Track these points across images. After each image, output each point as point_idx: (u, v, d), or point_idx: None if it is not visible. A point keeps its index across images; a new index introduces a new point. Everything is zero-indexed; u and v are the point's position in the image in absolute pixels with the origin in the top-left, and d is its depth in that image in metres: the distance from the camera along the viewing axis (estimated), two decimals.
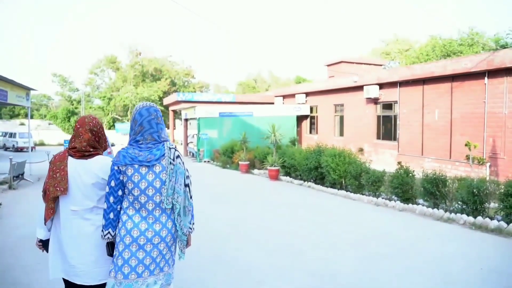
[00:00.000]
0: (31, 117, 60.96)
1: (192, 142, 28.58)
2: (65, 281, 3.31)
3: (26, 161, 15.01)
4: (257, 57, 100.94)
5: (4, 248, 5.23)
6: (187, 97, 29.48)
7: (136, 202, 3.05)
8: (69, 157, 3.25)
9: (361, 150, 19.53)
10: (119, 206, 3.09)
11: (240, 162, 17.56)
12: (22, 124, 53.23)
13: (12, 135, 37.19)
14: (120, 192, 3.08)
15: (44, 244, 3.38)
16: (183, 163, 3.22)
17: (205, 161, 23.40)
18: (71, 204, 3.19)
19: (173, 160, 3.12)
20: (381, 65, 29.46)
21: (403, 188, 9.27)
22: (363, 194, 10.72)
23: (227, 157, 20.01)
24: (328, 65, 28.33)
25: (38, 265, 5.45)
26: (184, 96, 29.55)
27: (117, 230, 3.10)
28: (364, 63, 28.05)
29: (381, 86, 19.13)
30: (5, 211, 8.98)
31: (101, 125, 3.43)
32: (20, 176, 14.11)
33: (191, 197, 3.31)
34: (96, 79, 57.32)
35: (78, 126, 3.32)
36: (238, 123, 24.15)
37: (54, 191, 3.18)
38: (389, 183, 9.80)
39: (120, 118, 52.96)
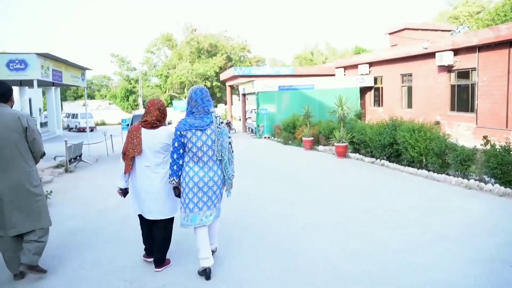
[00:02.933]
0: (93, 98, 62.50)
1: (250, 117, 27.88)
2: (141, 217, 4.72)
3: (83, 143, 14.76)
4: (313, 29, 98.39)
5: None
6: (244, 71, 28.68)
7: (194, 156, 4.23)
8: (142, 128, 4.50)
9: (437, 123, 17.97)
10: (181, 161, 4.27)
11: (303, 138, 16.60)
12: (85, 105, 54.54)
13: (74, 116, 38.02)
14: (181, 151, 4.26)
15: (123, 192, 4.69)
16: (225, 127, 4.37)
17: (265, 137, 22.62)
18: (144, 161, 4.47)
19: (219, 125, 4.28)
20: (449, 30, 27.20)
21: (503, 168, 7.97)
22: (448, 175, 9.50)
23: (288, 132, 19.10)
24: (390, 33, 26.51)
25: (82, 271, 4.78)
26: (241, 70, 28.76)
27: (181, 178, 4.31)
28: (430, 29, 25.96)
29: (456, 52, 17.41)
30: (57, 198, 8.51)
31: (165, 106, 4.67)
32: (78, 158, 13.85)
33: (232, 151, 4.46)
34: (153, 58, 57.65)
35: (149, 105, 4.59)
36: (298, 97, 23.11)
37: (132, 152, 4.44)
38: (483, 163, 8.51)
39: (177, 95, 53.07)
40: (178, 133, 4.20)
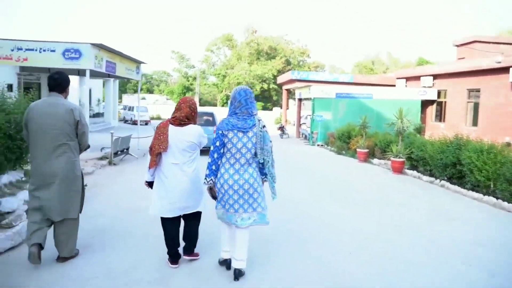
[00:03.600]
0: (152, 92, 63.74)
1: (305, 123, 27.22)
2: (164, 218, 4.61)
3: (131, 136, 14.59)
4: (376, 38, 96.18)
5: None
6: (301, 75, 28.06)
7: (232, 158, 4.20)
8: (170, 125, 4.47)
9: (508, 145, 16.58)
10: (220, 161, 4.22)
11: (358, 149, 15.77)
12: (143, 98, 55.59)
13: (130, 108, 38.66)
14: (222, 150, 4.22)
15: (150, 184, 4.66)
16: (267, 131, 4.28)
17: (318, 145, 21.88)
18: (171, 158, 4.43)
19: (262, 128, 4.21)
20: None
21: None
22: None
23: (343, 142, 18.29)
24: (458, 45, 25.09)
25: (95, 280, 4.37)
26: (298, 74, 28.16)
27: (217, 179, 4.26)
28: (503, 43, 24.39)
29: None
30: (91, 192, 8.20)
31: (196, 105, 4.64)
32: (125, 151, 13.68)
33: (272, 155, 4.36)
34: (212, 57, 58.12)
35: (181, 102, 4.60)
36: (355, 106, 22.20)
37: (158, 148, 4.40)
38: None
39: None
40: (220, 132, 4.17)
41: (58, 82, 4.49)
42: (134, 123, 35.54)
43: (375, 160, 14.94)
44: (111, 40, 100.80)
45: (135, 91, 63.54)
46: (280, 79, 33.74)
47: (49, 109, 4.40)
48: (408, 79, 26.49)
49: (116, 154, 12.74)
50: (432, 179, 11.27)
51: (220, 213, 4.36)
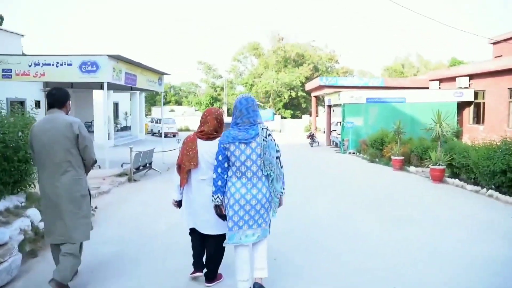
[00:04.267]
0: (180, 104, 63.73)
1: (335, 130, 26.40)
2: (193, 230, 4.52)
3: (154, 150, 13.99)
4: (405, 40, 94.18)
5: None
6: (330, 81, 27.19)
7: (237, 171, 4.00)
8: (198, 139, 4.35)
9: None
10: (225, 175, 4.02)
11: (392, 157, 14.82)
12: (172, 110, 55.58)
13: (158, 121, 38.44)
14: (226, 164, 4.02)
15: (178, 203, 4.58)
16: (273, 140, 4.06)
17: (349, 153, 21.00)
18: (200, 174, 4.30)
19: (265, 138, 3.97)
20: None
21: None
22: None
23: (376, 149, 17.36)
24: (494, 43, 23.83)
25: None
26: (327, 80, 27.31)
27: (223, 195, 4.05)
28: None
29: None
30: (104, 214, 7.61)
31: (222, 115, 4.46)
32: (148, 165, 13.11)
33: (281, 167, 4.12)
34: (239, 66, 57.63)
35: (206, 114, 4.41)
36: (387, 110, 21.23)
37: (189, 165, 4.29)
38: None
39: (261, 104, 52.43)
40: (222, 145, 4.00)
41: (56, 97, 4.34)
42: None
43: (412, 168, 13.98)
44: (136, 53, 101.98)
45: (164, 104, 63.64)
46: (309, 86, 32.96)
47: (47, 125, 4.23)
48: (442, 80, 25.30)
49: (137, 169, 12.19)
50: (478, 188, 10.27)
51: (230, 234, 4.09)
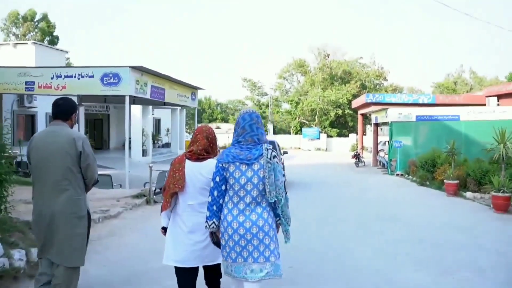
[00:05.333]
0: (226, 121, 63.41)
1: (383, 150, 24.86)
2: (177, 269, 3.96)
3: None
4: (456, 56, 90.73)
5: None
6: (377, 98, 25.70)
7: (235, 196, 3.50)
8: (186, 160, 3.89)
9: None
10: (221, 200, 3.53)
11: (445, 180, 13.20)
12: (217, 127, 55.18)
13: None
14: (223, 187, 3.52)
15: (165, 231, 4.04)
16: (280, 162, 3.61)
17: (397, 174, 19.39)
18: (188, 199, 3.85)
19: (270, 159, 3.47)
20: None
21: None
22: None
23: (426, 171, 15.73)
24: None
25: None
26: (374, 97, 25.85)
27: (220, 222, 3.54)
28: None
29: None
30: (103, 243, 6.59)
31: (214, 134, 4.05)
32: None
33: (286, 192, 3.60)
34: (285, 83, 56.79)
35: (196, 133, 4.00)
36: (439, 129, 19.44)
37: (173, 188, 3.83)
38: None
39: (307, 122, 51.19)
40: (220, 165, 3.55)
41: (61, 108, 4.04)
42: None
43: (469, 194, 12.33)
44: (180, 70, 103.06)
45: (210, 121, 63.52)
46: (355, 103, 31.58)
47: (49, 138, 3.93)
48: (500, 96, 23.29)
49: (161, 190, 11.21)
50: None
51: (225, 266, 3.60)
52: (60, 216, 3.86)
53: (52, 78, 11.32)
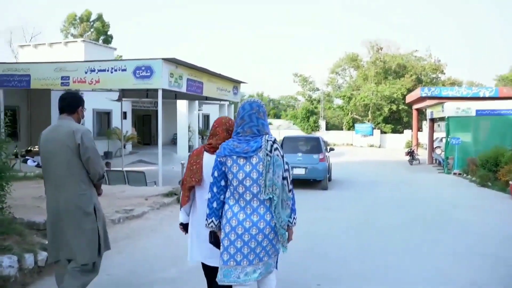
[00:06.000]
0: (279, 117, 62.78)
1: (439, 147, 23.43)
2: (205, 266, 3.75)
3: None
4: None
5: None
6: (433, 92, 24.15)
7: (235, 192, 3.22)
8: (205, 152, 3.65)
9: None
10: (222, 196, 3.26)
11: (511, 182, 11.91)
12: (269, 123, 54.54)
13: None
14: (223, 183, 3.25)
15: (185, 227, 3.80)
16: (282, 155, 3.27)
17: (454, 173, 18.04)
18: (205, 193, 3.45)
19: (270, 152, 3.19)
20: None
21: None
22: None
23: (488, 170, 14.39)
24: None
25: None
26: (429, 91, 24.30)
27: (220, 220, 3.28)
28: None
29: None
30: (118, 246, 5.98)
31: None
32: None
33: (290, 191, 3.33)
34: (337, 79, 55.38)
35: (216, 125, 3.73)
36: (503, 124, 18.04)
37: (190, 181, 3.60)
38: None
39: (360, 118, 49.65)
40: (218, 159, 3.26)
41: (67, 102, 4.01)
42: None
43: None
44: (234, 66, 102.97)
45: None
46: (409, 97, 30.04)
47: (53, 133, 3.94)
48: None
49: (179, 183, 10.70)
50: None
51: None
52: (65, 213, 3.82)
53: (86, 73, 11.03)
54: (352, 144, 45.33)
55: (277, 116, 64.35)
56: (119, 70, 10.66)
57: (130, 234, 6.89)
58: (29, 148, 15.93)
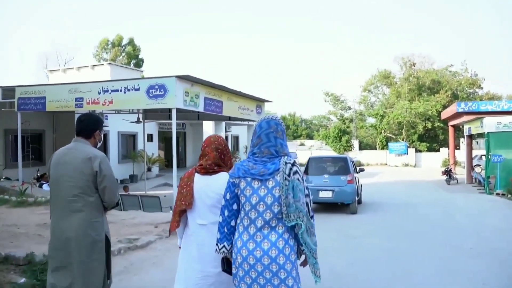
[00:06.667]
0: (311, 138, 61.89)
1: (479, 165, 22.12)
2: None
3: None
4: None
5: None
6: (470, 107, 22.88)
7: (246, 217, 2.99)
8: (196, 174, 3.46)
9: None
10: (233, 221, 3.05)
11: None
12: (302, 144, 53.78)
13: None
14: (235, 206, 3.05)
15: None
16: (302, 179, 3.00)
17: (497, 194, 16.80)
18: (198, 218, 3.37)
19: (289, 175, 2.93)
20: None
21: None
22: None
23: None
24: None
25: None
26: (466, 106, 23.05)
27: (231, 246, 3.08)
28: None
29: None
30: (115, 280, 5.30)
31: (226, 144, 3.58)
32: None
33: (312, 217, 3.07)
34: (370, 96, 54.28)
35: (205, 145, 3.52)
36: None
37: (180, 205, 3.41)
38: None
39: (394, 136, 48.24)
40: (231, 180, 3.06)
41: (84, 125, 3.87)
42: None
43: None
44: (262, 87, 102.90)
45: (295, 137, 62.26)
46: (445, 114, 28.79)
47: (66, 157, 3.79)
48: None
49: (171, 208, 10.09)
50: None
51: None
52: (75, 240, 3.63)
53: (99, 93, 10.61)
54: (386, 164, 44.02)
55: (309, 136, 63.49)
56: (132, 89, 10.17)
57: (129, 267, 6.20)
58: (44, 173, 15.67)
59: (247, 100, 13.55)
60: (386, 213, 12.38)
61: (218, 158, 3.46)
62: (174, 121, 10.30)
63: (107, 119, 20.61)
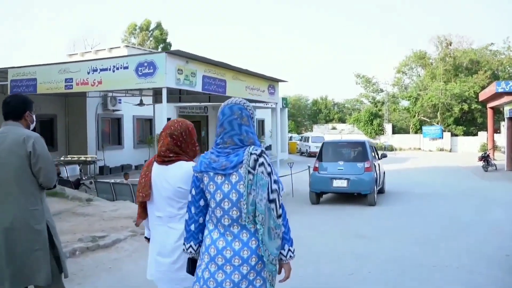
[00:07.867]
0: (344, 121, 60.31)
1: None
2: None
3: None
4: None
5: None
6: (511, 87, 21.02)
7: (213, 215, 2.71)
8: (154, 163, 3.18)
9: None
10: (201, 218, 2.78)
11: None
12: (333, 128, 52.30)
13: (306, 139, 35.84)
14: (202, 202, 2.77)
15: (149, 241, 3.43)
16: (269, 172, 2.61)
17: None
18: (156, 210, 3.13)
19: (253, 168, 2.58)
20: None
21: None
22: None
23: None
24: None
25: None
26: (506, 85, 21.18)
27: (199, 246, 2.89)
28: None
29: None
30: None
31: (186, 129, 3.13)
32: None
33: (279, 216, 2.62)
34: (404, 78, 52.13)
35: (162, 130, 3.28)
36: None
37: (138, 196, 3.22)
38: None
39: (428, 120, 46.17)
40: (195, 175, 2.75)
41: (12, 107, 3.58)
42: (310, 155, 32.18)
43: None
44: (294, 70, 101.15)
45: (327, 121, 60.82)
46: (482, 95, 26.92)
47: None
48: None
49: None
50: None
51: None
52: (13, 231, 3.38)
53: (88, 73, 9.66)
54: (420, 148, 42.25)
55: (342, 120, 61.85)
56: (121, 68, 9.15)
57: (77, 273, 5.14)
58: None
59: (257, 79, 12.34)
60: (410, 205, 11.00)
61: (173, 144, 3.05)
62: (164, 104, 9.09)
63: (120, 102, 19.82)
